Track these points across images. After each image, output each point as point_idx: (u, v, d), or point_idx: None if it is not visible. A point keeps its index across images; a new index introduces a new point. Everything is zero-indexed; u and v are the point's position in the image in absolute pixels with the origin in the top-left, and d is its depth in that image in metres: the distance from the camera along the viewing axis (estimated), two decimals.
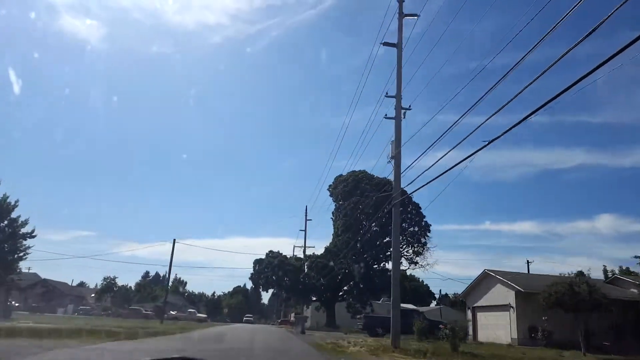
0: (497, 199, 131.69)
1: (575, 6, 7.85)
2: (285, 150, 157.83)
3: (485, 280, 32.32)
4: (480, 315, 33.43)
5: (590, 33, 7.15)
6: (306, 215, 61.54)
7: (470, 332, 28.16)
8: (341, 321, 53.04)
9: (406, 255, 52.95)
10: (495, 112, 10.37)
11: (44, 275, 76.85)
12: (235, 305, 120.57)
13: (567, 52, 7.95)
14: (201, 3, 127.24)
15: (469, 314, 35.01)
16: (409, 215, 51.81)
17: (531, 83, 8.98)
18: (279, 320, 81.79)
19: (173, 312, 61.92)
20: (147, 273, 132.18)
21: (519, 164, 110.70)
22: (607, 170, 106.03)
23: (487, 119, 10.82)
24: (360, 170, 55.12)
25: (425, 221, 52.90)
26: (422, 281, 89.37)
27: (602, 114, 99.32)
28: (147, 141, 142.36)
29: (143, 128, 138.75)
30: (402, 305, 69.39)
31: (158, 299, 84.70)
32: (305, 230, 60.04)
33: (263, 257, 52.31)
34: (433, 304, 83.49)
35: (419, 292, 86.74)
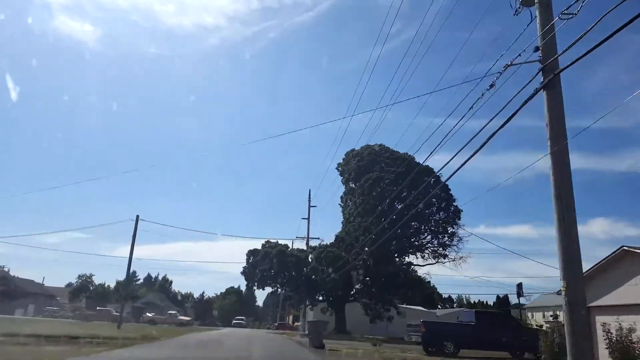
0: (492, 202, 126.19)
1: None
2: (283, 152, 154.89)
3: (620, 264, 18.64)
4: (604, 320, 18.19)
5: None
6: (309, 201, 51.98)
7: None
8: (353, 326, 43.35)
9: (431, 247, 43.49)
10: None
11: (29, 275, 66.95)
12: (227, 307, 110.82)
13: None
14: (198, 4, 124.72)
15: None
16: (434, 200, 42.18)
17: None
18: (276, 324, 72.05)
19: (150, 314, 52.04)
20: (134, 273, 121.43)
21: (517, 167, 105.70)
22: (602, 175, 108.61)
23: None
24: (377, 144, 45.64)
25: (456, 206, 43.37)
26: (430, 282, 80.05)
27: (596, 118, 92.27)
28: (143, 142, 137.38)
29: (139, 129, 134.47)
30: (413, 307, 59.80)
31: (139, 299, 74.76)
32: (308, 219, 50.50)
33: (259, 247, 42.57)
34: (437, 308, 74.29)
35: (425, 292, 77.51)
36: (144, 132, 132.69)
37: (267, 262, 39.97)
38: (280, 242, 43.40)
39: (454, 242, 41.70)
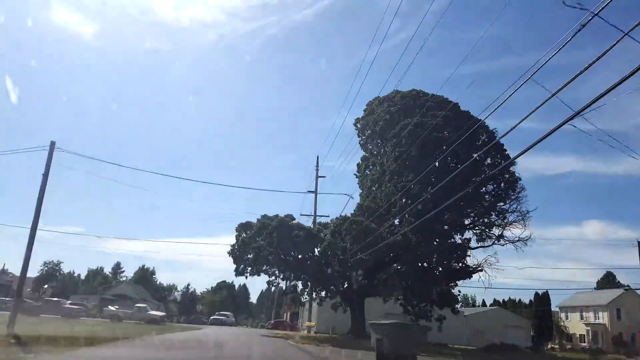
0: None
1: None
2: (280, 148, 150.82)
3: None
4: None
5: None
6: (317, 170, 41.06)
7: None
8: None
9: (479, 225, 32.64)
10: None
11: None
12: (218, 303, 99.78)
13: None
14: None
15: None
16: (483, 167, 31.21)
17: None
18: (271, 322, 61.15)
19: (113, 308, 41.05)
20: (118, 265, 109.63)
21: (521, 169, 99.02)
22: (598, 178, 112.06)
23: None
24: (410, 90, 34.68)
25: (513, 173, 32.57)
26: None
27: (594, 121, 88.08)
28: (141, 138, 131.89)
29: (136, 125, 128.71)
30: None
31: (111, 290, 63.75)
32: (315, 192, 39.60)
33: (253, 221, 31.56)
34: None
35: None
36: (140, 127, 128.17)
37: (263, 239, 28.99)
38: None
39: (513, 219, 30.91)
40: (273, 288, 59.34)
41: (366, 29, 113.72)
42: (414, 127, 28.00)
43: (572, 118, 9.15)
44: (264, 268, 31.67)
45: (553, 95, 9.70)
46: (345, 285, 31.57)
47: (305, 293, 35.50)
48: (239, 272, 31.13)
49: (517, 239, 30.19)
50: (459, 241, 29.07)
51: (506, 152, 32.34)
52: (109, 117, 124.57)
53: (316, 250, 30.10)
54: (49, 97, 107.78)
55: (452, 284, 28.31)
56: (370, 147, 37.13)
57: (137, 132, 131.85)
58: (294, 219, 30.56)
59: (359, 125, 38.14)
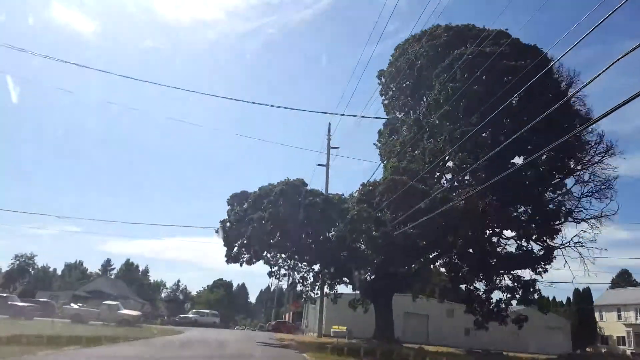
0: None
1: None
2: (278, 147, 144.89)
3: None
4: None
5: None
6: (329, 139, 33.35)
7: None
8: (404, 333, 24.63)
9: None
10: None
11: None
12: (214, 302, 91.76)
13: None
14: None
15: None
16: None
17: None
18: (272, 323, 53.52)
19: (75, 306, 33.10)
20: (108, 261, 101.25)
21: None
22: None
23: None
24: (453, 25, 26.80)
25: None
26: None
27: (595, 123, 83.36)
28: (139, 137, 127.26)
29: (135, 124, 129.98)
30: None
31: (87, 285, 55.76)
32: (327, 165, 31.94)
33: (248, 190, 23.65)
34: None
35: None
36: (140, 125, 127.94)
37: (264, 209, 21.05)
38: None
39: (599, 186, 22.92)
40: (276, 283, 51.24)
41: (366, 28, 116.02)
42: (474, 57, 20.13)
43: None
44: (262, 251, 23.80)
45: None
46: (372, 276, 23.67)
47: (316, 287, 27.64)
48: (230, 258, 23.22)
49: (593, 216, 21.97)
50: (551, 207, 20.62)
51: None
52: (104, 113, 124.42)
53: (332, 231, 22.23)
54: (43, 94, 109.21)
55: (539, 268, 20.10)
56: (400, 103, 29.31)
57: (138, 132, 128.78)
58: (306, 185, 22.57)
59: (383, 79, 30.38)
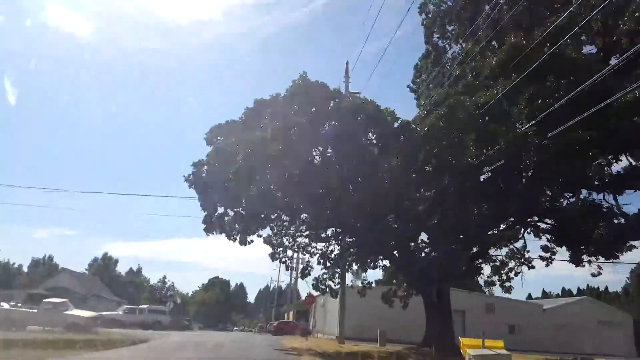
0: None
1: None
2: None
3: None
4: None
5: None
6: (347, 82, 24.84)
7: None
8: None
9: None
10: None
11: None
12: (209, 302, 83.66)
13: None
14: None
15: None
16: None
17: None
18: (274, 324, 45.73)
19: (6, 305, 24.49)
20: (95, 260, 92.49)
21: None
22: None
23: None
24: None
25: None
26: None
27: None
28: (139, 136, 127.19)
29: (134, 123, 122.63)
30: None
31: (49, 281, 47.16)
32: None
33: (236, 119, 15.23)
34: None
35: None
36: (139, 125, 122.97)
37: (263, 133, 12.59)
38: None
39: None
40: (275, 282, 42.62)
41: (361, 28, 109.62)
42: None
43: None
44: (264, 222, 15.30)
45: None
46: (433, 254, 15.24)
47: (337, 274, 19.05)
48: (209, 226, 14.78)
49: None
50: None
51: None
52: (105, 115, 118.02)
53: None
54: (39, 95, 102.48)
55: None
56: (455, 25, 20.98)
57: (136, 131, 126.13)
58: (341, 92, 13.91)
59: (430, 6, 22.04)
